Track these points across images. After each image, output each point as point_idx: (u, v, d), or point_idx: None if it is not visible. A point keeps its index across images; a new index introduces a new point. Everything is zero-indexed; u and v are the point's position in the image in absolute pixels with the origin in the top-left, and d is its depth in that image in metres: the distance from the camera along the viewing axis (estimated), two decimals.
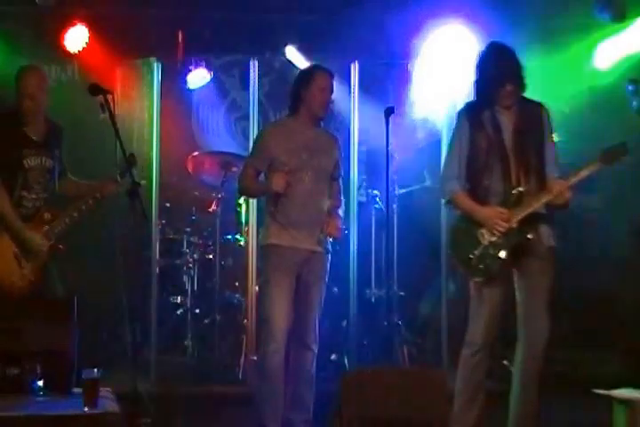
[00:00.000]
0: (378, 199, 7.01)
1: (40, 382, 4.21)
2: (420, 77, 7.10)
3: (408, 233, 7.00)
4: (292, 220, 5.12)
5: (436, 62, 6.97)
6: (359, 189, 6.93)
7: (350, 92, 6.78)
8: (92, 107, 4.57)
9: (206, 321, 6.73)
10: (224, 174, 6.77)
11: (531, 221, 4.69)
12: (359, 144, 6.83)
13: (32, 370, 4.22)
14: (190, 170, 6.95)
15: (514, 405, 4.82)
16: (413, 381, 4.53)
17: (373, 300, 6.95)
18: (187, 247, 6.92)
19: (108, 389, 4.32)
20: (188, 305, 6.81)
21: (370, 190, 7.11)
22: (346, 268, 6.61)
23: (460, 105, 5.20)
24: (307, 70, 5.37)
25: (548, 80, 6.63)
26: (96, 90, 4.54)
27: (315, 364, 5.19)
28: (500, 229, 4.66)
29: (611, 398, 4.62)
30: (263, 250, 5.28)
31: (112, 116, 4.48)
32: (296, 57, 6.88)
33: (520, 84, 4.77)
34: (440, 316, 6.73)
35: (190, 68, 7.08)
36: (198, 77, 7.17)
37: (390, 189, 6.11)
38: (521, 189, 4.69)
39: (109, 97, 4.52)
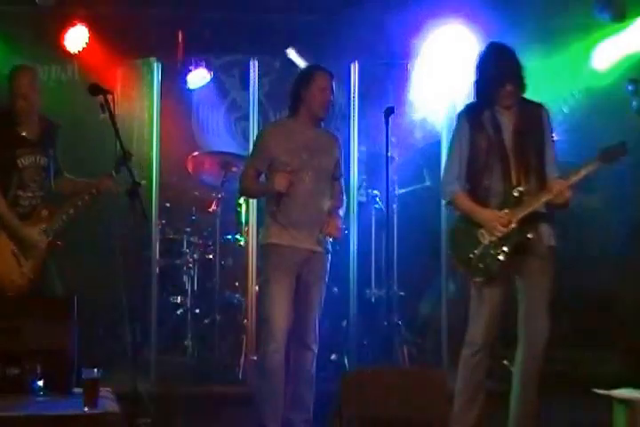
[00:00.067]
0: (378, 199, 7.01)
1: (40, 382, 4.22)
2: (420, 77, 7.10)
3: (408, 233, 7.00)
4: (293, 220, 5.12)
5: (435, 62, 6.97)
6: (359, 189, 6.92)
7: (350, 92, 6.77)
8: (92, 107, 4.57)
9: (206, 321, 6.73)
10: (224, 174, 6.77)
11: (531, 220, 4.70)
12: (359, 144, 6.83)
13: (32, 370, 4.22)
14: (190, 170, 6.95)
15: (514, 405, 4.82)
16: (413, 381, 4.53)
17: (373, 300, 6.94)
18: (187, 247, 6.91)
19: (108, 389, 4.32)
20: (188, 305, 6.81)
21: (370, 190, 7.10)
22: (346, 268, 6.61)
23: (460, 105, 5.21)
24: (306, 71, 5.38)
25: (547, 80, 6.64)
26: (96, 90, 4.54)
27: (315, 364, 5.19)
28: (499, 234, 4.67)
29: (611, 398, 4.62)
30: (263, 249, 5.28)
31: (112, 116, 4.49)
32: (296, 57, 6.87)
33: (520, 85, 4.78)
34: (440, 316, 6.73)
35: (190, 68, 7.08)
36: (198, 77, 7.16)
37: (390, 189, 6.11)
38: (521, 188, 4.70)
39: (109, 97, 4.52)
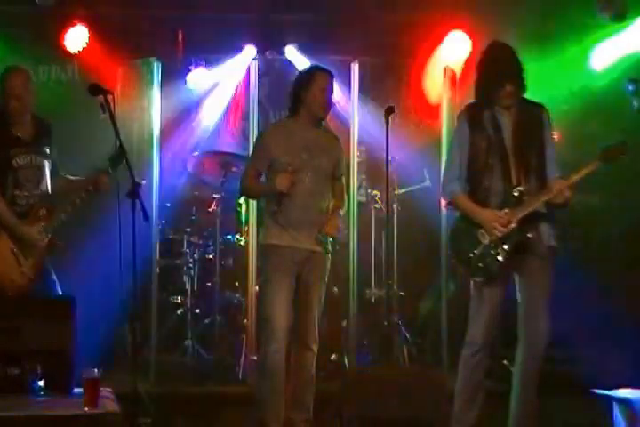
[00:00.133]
0: (378, 199, 7.01)
1: (40, 382, 4.22)
2: (420, 77, 7.11)
3: (408, 233, 7.00)
4: (293, 220, 5.12)
5: (435, 62, 6.97)
6: (359, 189, 6.93)
7: (350, 92, 6.77)
8: (93, 107, 4.57)
9: (206, 321, 6.73)
10: (224, 174, 6.77)
11: (531, 220, 4.70)
12: (359, 144, 6.83)
13: (32, 370, 4.23)
14: (190, 170, 6.95)
15: (514, 405, 4.82)
16: (413, 381, 4.54)
17: (373, 300, 6.95)
18: (187, 247, 6.92)
19: (109, 389, 4.32)
20: (188, 305, 6.81)
21: (370, 190, 7.11)
22: (346, 268, 6.61)
23: (460, 105, 5.20)
24: (306, 71, 5.35)
25: (547, 80, 6.64)
26: (96, 90, 4.55)
27: (314, 364, 5.19)
28: (499, 234, 4.67)
29: (611, 399, 4.63)
30: (263, 249, 5.29)
31: (112, 116, 4.49)
32: (296, 57, 6.87)
33: (520, 85, 4.77)
34: (440, 316, 6.73)
35: (190, 68, 7.08)
36: (198, 77, 7.16)
37: (390, 189, 6.11)
38: (521, 188, 4.70)
39: (109, 97, 4.52)
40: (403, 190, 7.07)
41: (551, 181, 4.69)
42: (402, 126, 6.92)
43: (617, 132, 6.23)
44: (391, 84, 7.38)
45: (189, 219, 7.07)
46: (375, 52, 7.00)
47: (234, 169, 6.66)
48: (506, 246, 4.68)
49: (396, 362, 6.41)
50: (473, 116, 4.83)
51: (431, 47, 6.94)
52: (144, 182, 5.96)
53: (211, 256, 6.87)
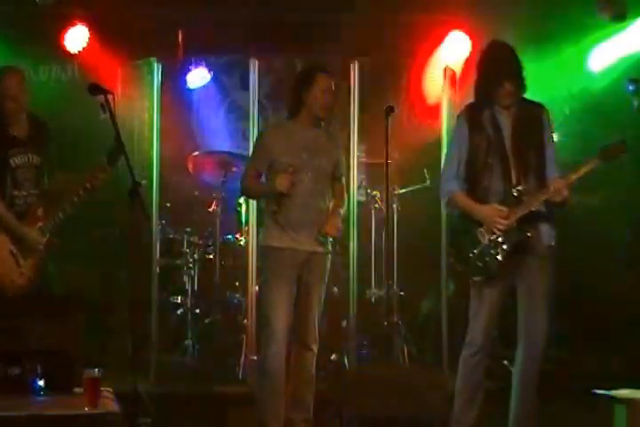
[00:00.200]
0: (378, 199, 7.01)
1: (41, 382, 4.22)
2: (420, 77, 7.11)
3: (408, 233, 7.00)
4: (292, 220, 5.12)
5: (435, 62, 6.98)
6: (359, 188, 6.93)
7: (350, 92, 6.77)
8: (93, 107, 4.57)
9: (206, 321, 6.73)
10: (224, 174, 6.77)
11: (530, 219, 4.69)
12: (359, 144, 6.83)
13: (33, 370, 4.22)
14: (190, 170, 6.96)
15: (514, 405, 4.81)
16: (413, 381, 4.55)
17: (373, 300, 6.95)
18: (187, 247, 6.92)
19: (109, 389, 4.32)
20: (189, 305, 6.82)
21: (370, 190, 7.11)
22: (346, 268, 6.61)
23: (460, 105, 5.20)
24: (307, 71, 5.33)
25: (547, 81, 6.64)
26: (96, 90, 4.54)
27: (315, 364, 5.19)
28: (500, 227, 4.66)
29: (611, 399, 4.62)
30: (263, 251, 5.28)
31: (112, 115, 4.49)
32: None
33: (519, 84, 4.77)
34: (440, 316, 6.73)
35: (190, 68, 7.09)
36: (198, 77, 7.18)
37: (390, 189, 6.11)
38: (520, 188, 4.69)
39: (109, 97, 4.52)
40: (403, 190, 7.07)
41: (551, 180, 4.68)
42: (402, 126, 6.92)
43: (617, 133, 6.23)
44: (391, 84, 7.38)
45: (189, 219, 7.07)
46: (375, 52, 7.00)
47: (234, 169, 6.67)
48: (505, 246, 4.68)
49: (395, 362, 6.41)
50: (472, 116, 4.82)
51: (431, 47, 6.94)
52: (144, 182, 5.97)
53: (211, 256, 6.88)
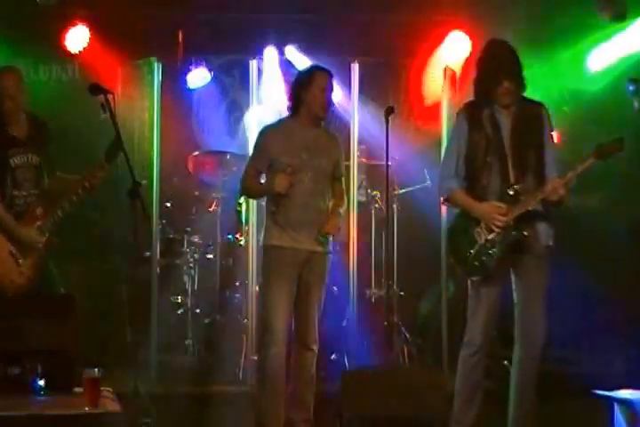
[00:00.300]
0: (378, 199, 7.01)
1: (41, 382, 4.22)
2: (420, 78, 7.11)
3: (408, 233, 7.00)
4: (292, 220, 5.12)
5: (435, 62, 6.98)
6: (359, 188, 6.93)
7: (350, 92, 6.78)
8: (93, 107, 4.58)
9: (206, 321, 6.73)
10: (224, 174, 6.77)
11: (528, 219, 4.69)
12: (359, 144, 6.83)
13: (33, 370, 4.22)
14: (190, 170, 6.96)
15: (512, 405, 4.81)
16: (413, 381, 4.55)
17: (373, 300, 6.95)
18: (187, 247, 6.92)
19: (109, 388, 4.32)
20: (189, 305, 6.81)
21: (370, 190, 7.11)
22: (346, 268, 6.61)
23: (460, 105, 5.20)
24: (306, 71, 5.34)
25: (547, 81, 6.65)
26: (96, 90, 4.55)
27: (315, 364, 5.19)
28: (499, 223, 4.66)
29: (611, 399, 4.63)
30: (264, 250, 5.28)
31: (112, 115, 4.49)
32: (296, 57, 6.87)
33: (518, 83, 4.76)
34: (440, 316, 6.73)
35: (190, 67, 7.09)
36: (198, 77, 7.17)
37: (390, 188, 6.11)
38: (517, 187, 4.69)
39: (110, 97, 4.52)
40: (403, 190, 7.07)
41: (549, 180, 4.68)
42: (402, 126, 6.93)
43: (617, 133, 6.22)
44: (391, 84, 7.38)
45: (189, 219, 7.07)
46: (375, 52, 7.01)
47: (234, 169, 6.67)
48: (502, 245, 4.68)
49: (396, 362, 6.41)
50: (472, 114, 4.82)
51: (431, 47, 6.95)
52: (144, 182, 5.97)
53: (211, 256, 6.88)
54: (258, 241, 6.04)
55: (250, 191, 5.49)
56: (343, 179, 5.41)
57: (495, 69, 4.73)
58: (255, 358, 6.15)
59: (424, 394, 4.47)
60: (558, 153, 4.90)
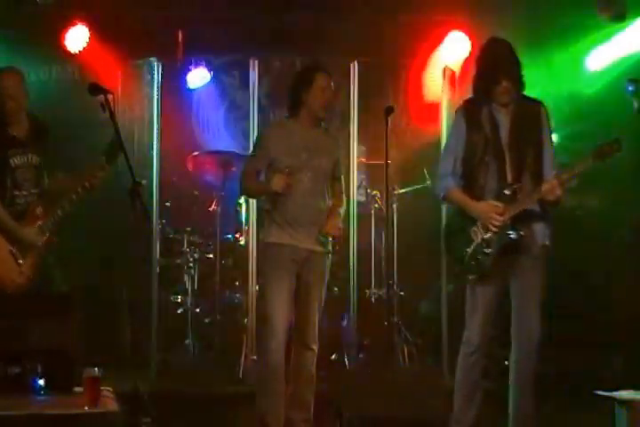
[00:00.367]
0: (378, 199, 7.01)
1: (41, 382, 4.22)
2: (420, 78, 7.12)
3: (408, 233, 7.00)
4: (290, 219, 5.12)
5: (435, 63, 6.98)
6: (359, 188, 6.93)
7: (350, 92, 6.78)
8: (93, 107, 4.57)
9: (206, 321, 6.74)
10: (224, 174, 6.78)
11: (524, 218, 4.68)
12: (359, 144, 6.83)
13: (33, 369, 4.22)
14: (190, 169, 6.96)
15: (512, 405, 4.80)
16: (413, 380, 4.55)
17: (373, 300, 6.95)
18: (187, 247, 6.92)
19: (109, 388, 4.32)
20: (189, 304, 6.82)
21: (370, 190, 7.11)
22: (346, 268, 6.62)
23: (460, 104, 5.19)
24: (306, 71, 5.32)
25: (546, 80, 6.65)
26: (96, 90, 4.54)
27: (315, 363, 5.19)
28: (496, 222, 4.66)
29: (612, 400, 4.62)
30: (263, 248, 5.29)
31: (112, 115, 4.49)
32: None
33: (517, 82, 4.76)
34: (440, 316, 6.73)
35: (190, 67, 7.09)
36: (198, 77, 7.18)
37: (390, 189, 6.11)
38: (514, 186, 4.69)
39: (109, 96, 4.52)
40: (403, 190, 7.07)
41: (546, 179, 4.67)
42: (401, 126, 6.93)
43: (617, 133, 6.22)
44: (391, 84, 7.38)
45: (189, 219, 7.07)
46: (375, 52, 7.01)
47: (234, 169, 6.67)
48: (498, 244, 4.67)
49: (396, 362, 6.41)
50: (470, 112, 4.81)
51: (431, 47, 6.95)
52: (144, 182, 5.97)
53: (211, 256, 6.88)
54: (258, 241, 6.04)
55: (248, 190, 5.49)
56: (343, 179, 5.41)
57: (494, 69, 4.72)
58: (255, 358, 6.16)
59: (424, 394, 4.47)
60: (557, 153, 4.89)
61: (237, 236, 6.89)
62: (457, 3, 6.78)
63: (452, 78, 6.85)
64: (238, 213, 6.87)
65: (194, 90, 7.37)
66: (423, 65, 7.08)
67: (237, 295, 6.78)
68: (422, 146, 7.13)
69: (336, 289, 6.60)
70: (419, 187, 7.04)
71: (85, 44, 6.74)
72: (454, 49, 6.80)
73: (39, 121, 5.33)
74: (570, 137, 6.61)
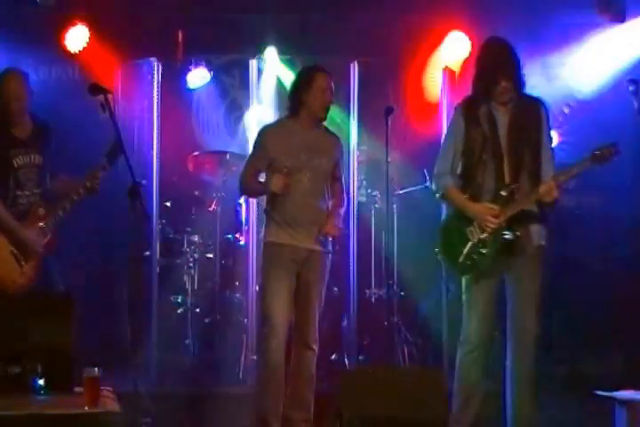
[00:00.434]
0: (378, 199, 7.01)
1: (41, 381, 4.21)
2: (420, 78, 7.11)
3: (408, 233, 7.00)
4: (290, 219, 5.13)
5: (435, 63, 6.98)
6: (359, 189, 6.93)
7: (350, 92, 6.78)
8: (93, 107, 4.58)
9: (206, 320, 6.73)
10: (224, 174, 6.77)
11: (520, 219, 4.68)
12: (359, 144, 6.83)
13: (33, 369, 4.21)
14: (191, 169, 6.96)
15: (510, 405, 4.79)
16: (413, 380, 4.54)
17: (373, 300, 6.95)
18: (187, 247, 6.92)
19: (109, 388, 4.32)
20: (189, 304, 6.81)
21: (370, 190, 7.10)
22: (346, 268, 6.62)
23: None
24: (306, 72, 5.33)
25: (546, 80, 6.64)
26: (96, 89, 4.55)
27: (315, 363, 5.19)
28: (491, 225, 4.66)
29: (612, 400, 4.62)
30: (263, 247, 5.29)
31: (112, 115, 4.49)
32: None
33: (516, 82, 4.75)
34: (440, 316, 6.73)
35: (190, 67, 7.09)
36: (198, 77, 7.18)
37: (390, 189, 6.11)
38: (512, 186, 4.69)
39: (109, 96, 4.52)
40: (403, 191, 7.06)
41: (545, 179, 4.67)
42: (402, 126, 6.93)
43: (617, 133, 6.23)
44: (391, 84, 7.38)
45: (189, 218, 7.07)
46: (375, 52, 7.01)
47: (234, 169, 6.67)
48: (494, 245, 4.68)
49: (396, 362, 6.40)
50: (469, 110, 4.81)
51: (431, 47, 6.95)
52: (144, 182, 5.97)
53: (211, 255, 6.88)
54: (258, 241, 6.04)
55: (248, 191, 5.50)
56: (343, 179, 5.41)
57: (493, 68, 4.72)
58: (255, 357, 6.15)
59: (424, 394, 4.46)
60: (556, 154, 4.89)
61: (237, 236, 6.89)
62: (457, 3, 6.77)
63: (451, 78, 6.84)
64: (238, 213, 6.87)
65: (194, 90, 7.36)
66: (423, 65, 7.07)
67: (237, 295, 6.78)
68: (422, 146, 7.11)
69: (336, 289, 6.59)
70: (419, 187, 7.03)
71: (85, 44, 6.74)
72: (454, 49, 6.80)
73: (42, 121, 5.33)
74: (570, 137, 6.60)
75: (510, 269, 4.76)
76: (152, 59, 6.67)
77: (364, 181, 7.11)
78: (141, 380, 4.65)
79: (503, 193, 4.68)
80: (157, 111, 6.65)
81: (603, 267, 6.80)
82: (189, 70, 7.10)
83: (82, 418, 3.87)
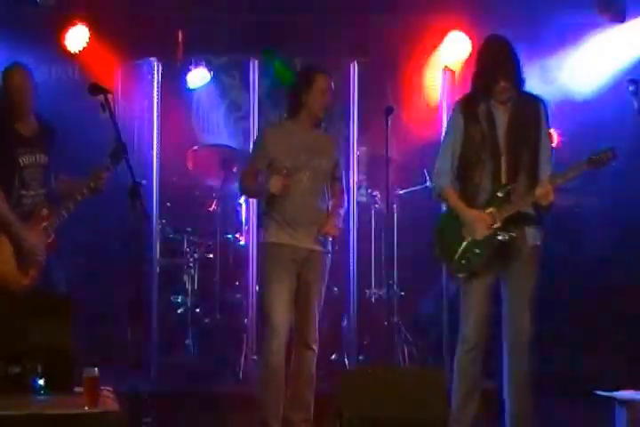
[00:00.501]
0: (378, 199, 7.01)
1: (41, 381, 4.21)
2: (420, 77, 7.11)
3: (408, 233, 7.00)
4: (289, 219, 5.13)
5: (435, 63, 6.98)
6: (359, 189, 6.93)
7: (350, 92, 6.78)
8: (93, 107, 4.58)
9: (207, 320, 6.73)
10: (224, 174, 6.77)
11: (516, 220, 4.68)
12: (359, 144, 6.83)
13: (33, 369, 4.22)
14: (190, 166, 6.96)
15: (508, 405, 4.79)
16: (413, 380, 4.53)
17: (373, 300, 6.94)
18: (187, 247, 6.92)
19: (109, 388, 4.32)
20: (189, 304, 6.81)
21: (370, 190, 7.10)
22: (346, 268, 6.62)
23: None
24: (306, 72, 5.33)
25: (546, 80, 6.64)
26: (96, 89, 4.55)
27: (315, 363, 5.19)
28: (479, 236, 4.66)
29: (612, 400, 4.62)
30: (263, 247, 5.29)
31: (112, 115, 4.49)
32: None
33: (515, 81, 4.75)
34: (441, 316, 6.73)
35: (190, 67, 7.09)
36: (198, 77, 7.17)
37: (390, 189, 6.11)
38: (509, 187, 4.69)
39: (109, 96, 4.52)
40: (403, 191, 7.06)
41: (543, 180, 4.66)
42: (402, 126, 6.93)
43: (616, 134, 6.24)
44: (391, 84, 7.38)
45: (189, 219, 7.07)
46: (375, 52, 7.01)
47: (234, 169, 6.67)
48: (487, 246, 4.68)
49: (396, 362, 6.40)
50: (468, 108, 4.80)
51: (430, 47, 6.95)
52: (144, 182, 5.97)
53: (211, 255, 6.88)
54: (258, 241, 6.04)
55: (247, 191, 5.51)
56: (343, 179, 5.41)
57: (492, 68, 4.72)
58: (255, 357, 6.15)
59: (424, 394, 4.45)
60: (556, 154, 4.89)
61: (237, 236, 6.89)
62: (457, 3, 6.78)
63: (451, 78, 6.85)
64: (238, 213, 6.87)
65: (194, 90, 7.36)
66: (423, 65, 7.08)
67: (237, 295, 6.78)
68: (422, 146, 7.12)
69: (336, 289, 6.59)
70: (419, 187, 7.03)
71: (85, 44, 6.74)
72: (454, 49, 6.81)
73: (46, 121, 5.32)
74: (569, 137, 6.59)
75: (506, 270, 4.77)
76: (152, 59, 6.67)
77: (364, 181, 7.11)
78: (141, 380, 4.64)
79: (499, 194, 4.68)
80: (157, 111, 6.65)
81: (602, 267, 6.79)
82: (189, 70, 7.10)
83: (82, 418, 3.87)
